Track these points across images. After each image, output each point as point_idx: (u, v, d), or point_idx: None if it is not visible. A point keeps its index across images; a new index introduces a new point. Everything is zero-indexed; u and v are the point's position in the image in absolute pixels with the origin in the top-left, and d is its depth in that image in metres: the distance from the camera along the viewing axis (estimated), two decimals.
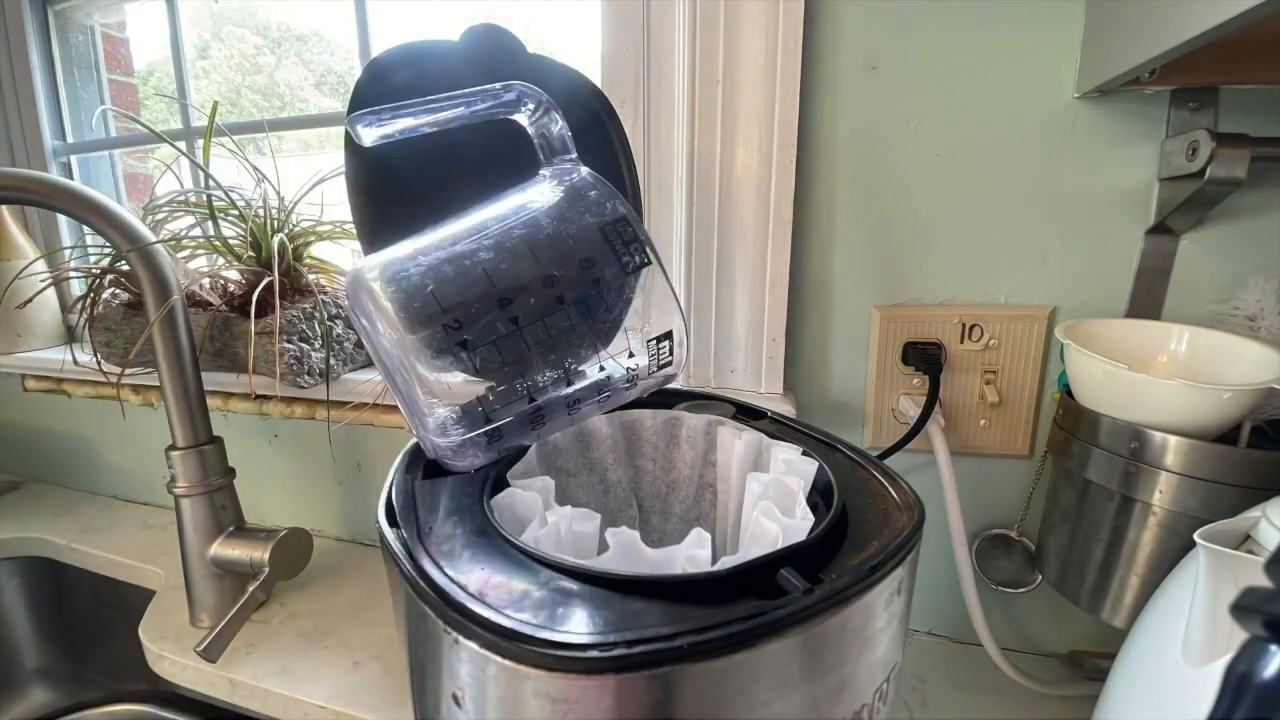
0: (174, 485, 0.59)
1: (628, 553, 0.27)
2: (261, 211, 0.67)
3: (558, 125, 0.35)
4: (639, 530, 0.29)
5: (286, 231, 0.67)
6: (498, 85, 0.34)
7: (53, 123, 0.93)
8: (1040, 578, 0.59)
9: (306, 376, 0.66)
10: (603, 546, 0.28)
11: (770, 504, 0.30)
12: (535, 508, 0.31)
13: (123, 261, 0.68)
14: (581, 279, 0.30)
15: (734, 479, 0.38)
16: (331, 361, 0.67)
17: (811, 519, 0.28)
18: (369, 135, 0.34)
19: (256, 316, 0.61)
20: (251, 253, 0.67)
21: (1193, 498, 0.40)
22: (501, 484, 0.33)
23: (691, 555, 0.27)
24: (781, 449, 0.34)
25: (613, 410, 0.40)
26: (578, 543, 0.30)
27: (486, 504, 0.29)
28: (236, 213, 0.67)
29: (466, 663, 0.22)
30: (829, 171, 0.56)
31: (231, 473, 0.63)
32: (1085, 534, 0.47)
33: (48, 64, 0.92)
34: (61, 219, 0.96)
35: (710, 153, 0.55)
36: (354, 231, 0.39)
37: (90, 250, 0.80)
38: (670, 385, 0.61)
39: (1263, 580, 0.18)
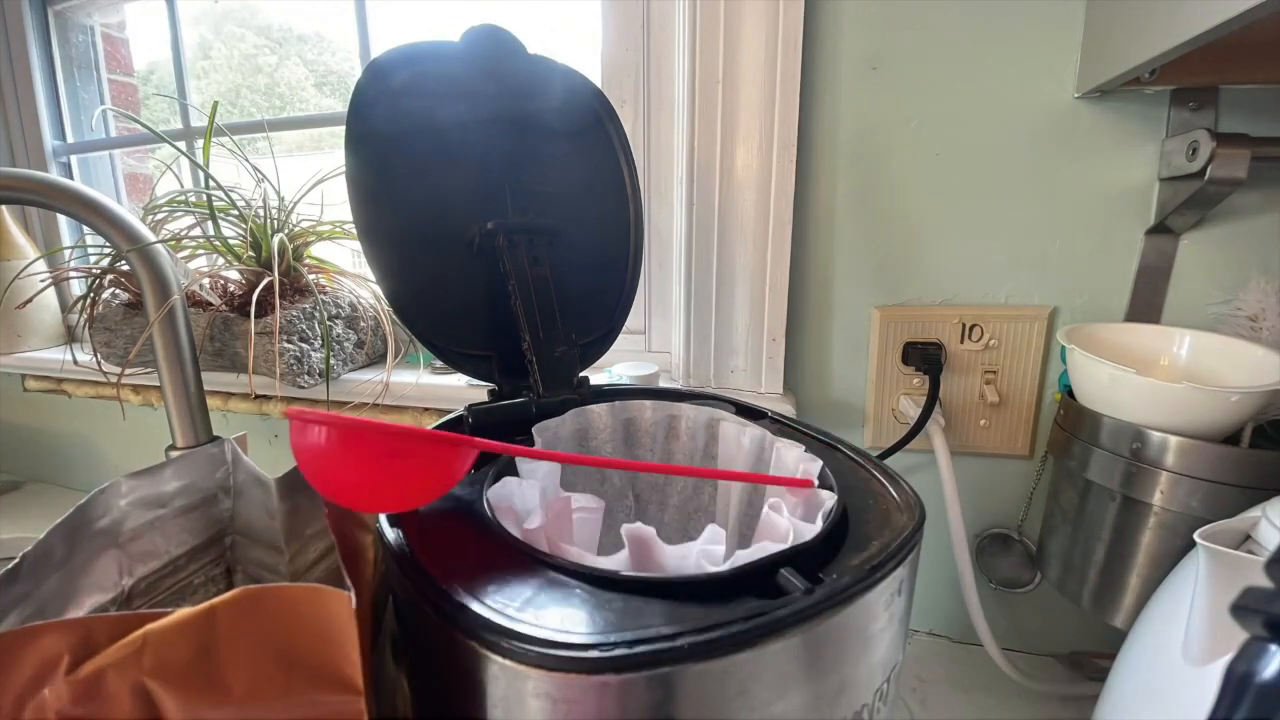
0: None
1: (642, 549, 0.27)
2: (261, 211, 0.67)
3: None
4: (635, 520, 0.29)
5: (286, 231, 0.67)
6: None
7: (53, 123, 0.93)
8: (1040, 578, 0.59)
9: (306, 376, 0.66)
10: (608, 536, 0.28)
11: (781, 501, 0.30)
12: (534, 498, 0.31)
13: (123, 261, 0.68)
14: None
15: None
16: (331, 361, 0.67)
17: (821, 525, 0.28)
18: None
19: (256, 316, 0.61)
20: (251, 253, 0.67)
21: (1193, 498, 0.40)
22: (503, 478, 0.32)
23: (706, 551, 0.27)
24: (786, 447, 0.34)
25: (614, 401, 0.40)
26: (579, 531, 0.30)
27: (487, 501, 0.29)
28: (236, 213, 0.67)
29: (467, 662, 0.22)
30: (829, 171, 0.56)
31: None
32: (1086, 534, 0.47)
33: (48, 64, 0.92)
34: (61, 219, 0.96)
35: (710, 153, 0.55)
36: (354, 231, 0.39)
37: (90, 250, 0.80)
38: (670, 385, 0.62)
39: (1263, 580, 0.18)
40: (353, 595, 0.22)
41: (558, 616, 0.22)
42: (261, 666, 0.22)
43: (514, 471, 0.33)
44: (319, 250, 0.73)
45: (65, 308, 0.93)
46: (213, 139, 0.68)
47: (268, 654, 0.22)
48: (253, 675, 0.21)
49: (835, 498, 0.29)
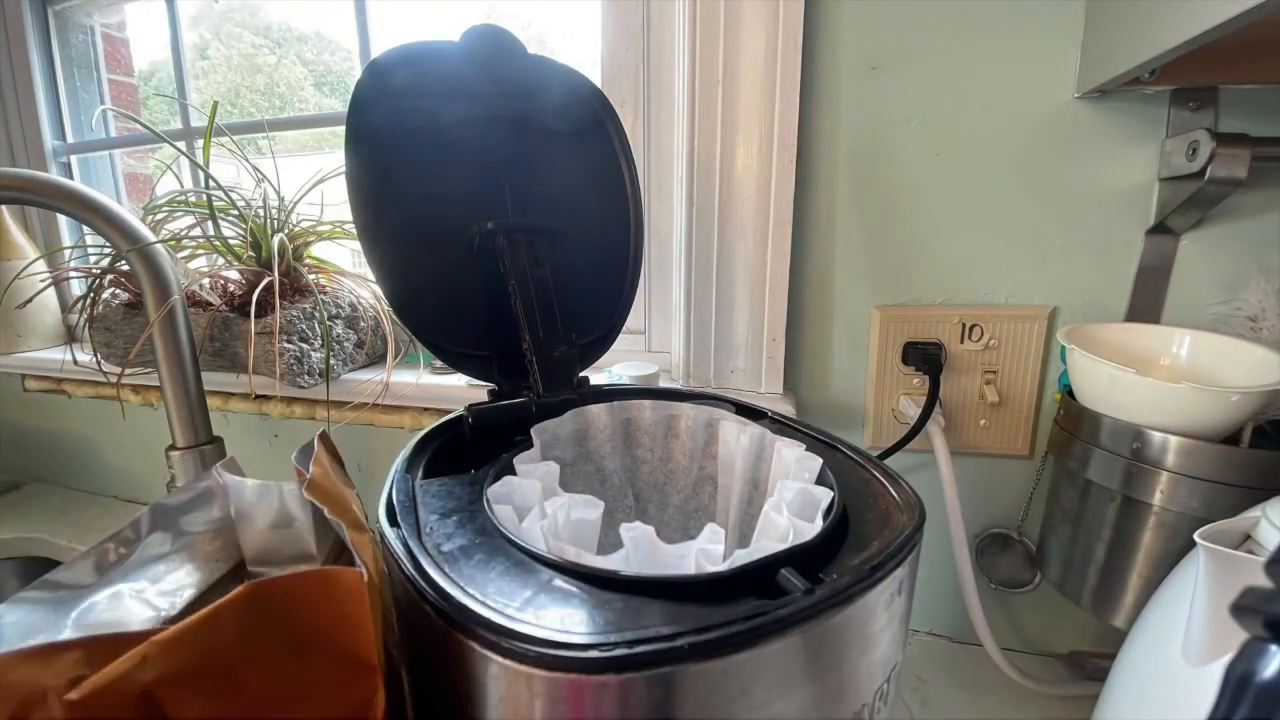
0: (174, 485, 0.59)
1: (642, 548, 0.27)
2: (261, 211, 0.67)
3: None
4: (635, 519, 0.29)
5: (286, 231, 0.67)
6: None
7: (53, 123, 0.93)
8: (1040, 578, 0.59)
9: (306, 376, 0.66)
10: (607, 535, 0.27)
11: (782, 500, 0.30)
12: (534, 496, 0.31)
13: (123, 261, 0.68)
14: None
15: (738, 473, 0.38)
16: (331, 361, 0.67)
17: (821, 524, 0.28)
18: None
19: (256, 316, 0.61)
20: (251, 253, 0.67)
21: (1193, 498, 0.40)
22: (503, 477, 0.32)
23: (705, 550, 0.27)
24: (787, 446, 0.34)
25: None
26: (578, 530, 0.30)
27: (487, 501, 0.29)
28: (236, 213, 0.67)
29: (467, 662, 0.22)
30: (829, 171, 0.56)
31: None
32: (1086, 534, 0.47)
33: (48, 64, 0.92)
34: (61, 219, 0.96)
35: (710, 153, 0.55)
36: (354, 231, 0.39)
37: (90, 250, 0.80)
38: (670, 385, 0.62)
39: (1263, 580, 0.18)
40: (364, 569, 0.22)
41: (558, 616, 0.22)
42: (274, 659, 0.21)
43: (513, 471, 0.33)
44: (319, 250, 0.73)
45: (65, 308, 0.93)
46: (213, 139, 0.68)
47: (280, 645, 0.22)
48: (266, 668, 0.21)
49: (835, 495, 0.29)
